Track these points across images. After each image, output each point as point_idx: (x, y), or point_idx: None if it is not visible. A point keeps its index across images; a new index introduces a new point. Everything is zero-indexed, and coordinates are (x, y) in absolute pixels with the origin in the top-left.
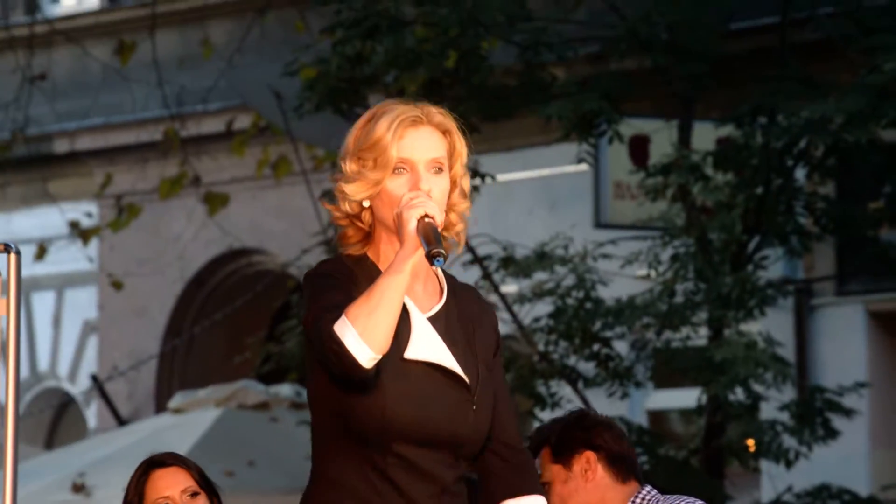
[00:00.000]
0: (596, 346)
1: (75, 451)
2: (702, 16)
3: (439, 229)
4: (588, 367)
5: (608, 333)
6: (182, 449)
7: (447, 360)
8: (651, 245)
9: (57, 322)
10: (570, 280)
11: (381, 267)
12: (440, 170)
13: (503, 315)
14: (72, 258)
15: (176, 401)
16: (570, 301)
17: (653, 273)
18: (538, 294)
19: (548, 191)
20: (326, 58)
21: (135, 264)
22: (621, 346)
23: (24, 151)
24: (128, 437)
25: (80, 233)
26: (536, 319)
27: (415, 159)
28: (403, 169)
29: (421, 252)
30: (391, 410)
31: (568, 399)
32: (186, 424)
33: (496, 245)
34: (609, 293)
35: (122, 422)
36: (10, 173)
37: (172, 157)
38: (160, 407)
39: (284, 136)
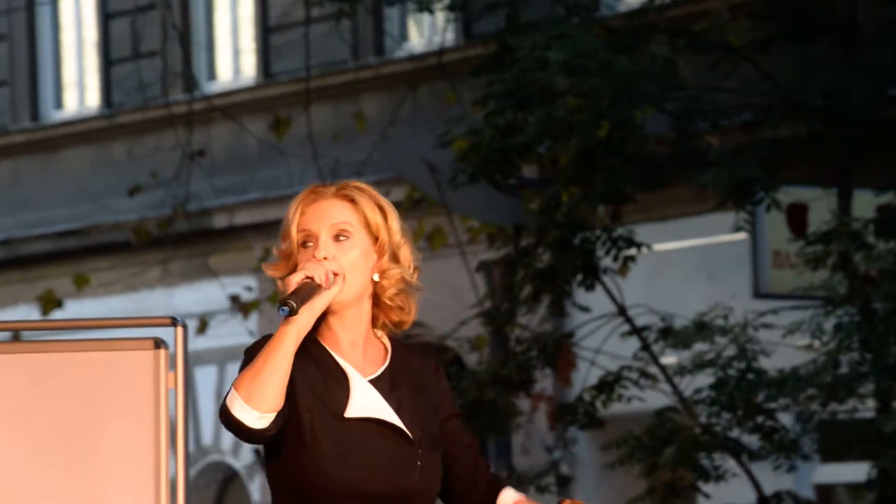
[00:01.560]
0: (760, 418)
1: None
2: (857, 82)
3: (333, 290)
4: (752, 440)
5: (772, 405)
6: None
7: (389, 415)
8: (813, 314)
9: (219, 395)
10: (730, 350)
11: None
12: (345, 236)
13: (663, 387)
14: (232, 332)
15: None
16: (731, 372)
17: (816, 343)
18: (699, 365)
19: (705, 260)
20: (479, 129)
21: None
22: (786, 418)
23: (185, 227)
24: None
25: (240, 307)
26: (698, 391)
27: (314, 229)
28: (309, 243)
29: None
30: (333, 471)
31: (732, 472)
32: None
33: (654, 316)
34: (771, 364)
35: None
36: (171, 249)
37: None
38: None
39: (439, 207)
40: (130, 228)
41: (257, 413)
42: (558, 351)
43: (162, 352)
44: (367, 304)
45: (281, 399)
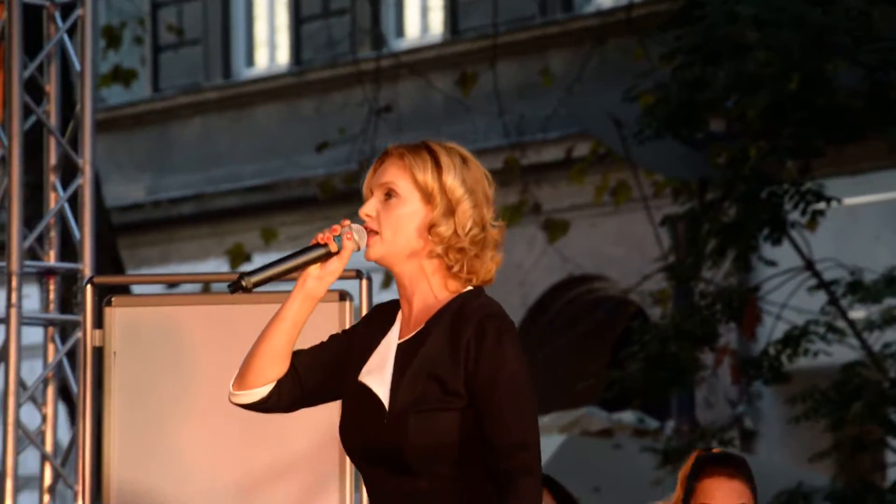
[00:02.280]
0: None
1: None
2: None
3: (362, 246)
4: None
5: None
6: None
7: (374, 381)
8: None
9: None
10: None
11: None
12: (393, 195)
13: (851, 341)
14: None
15: None
16: None
17: None
18: (888, 320)
19: None
20: (666, 83)
21: None
22: None
23: None
24: None
25: None
26: (887, 345)
27: (372, 189)
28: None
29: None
30: (341, 430)
31: None
32: None
33: (842, 270)
34: None
35: None
36: (357, 204)
37: (513, 186)
38: None
39: (624, 162)
40: (317, 183)
41: (231, 390)
42: (743, 305)
43: (347, 304)
44: (422, 263)
45: (267, 371)
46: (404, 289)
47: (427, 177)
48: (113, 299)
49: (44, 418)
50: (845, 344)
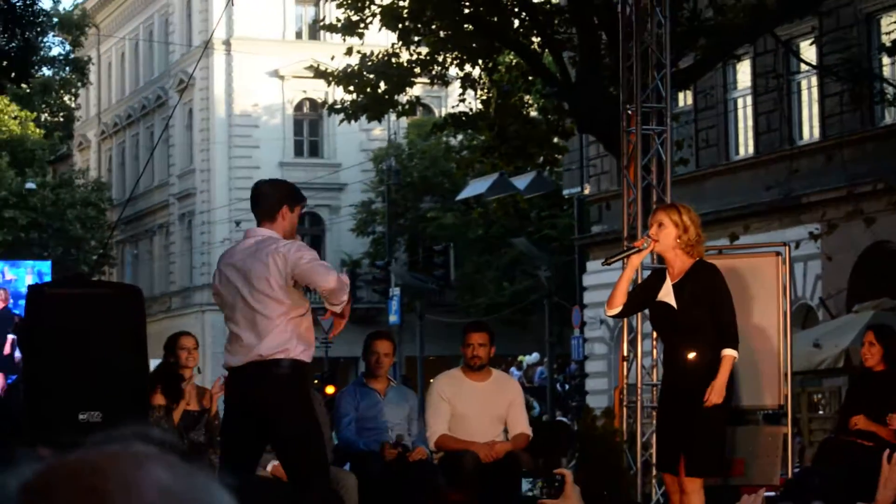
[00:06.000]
0: None
1: None
2: None
3: (650, 249)
4: None
5: None
6: None
7: (670, 299)
8: None
9: None
10: None
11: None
12: (663, 225)
13: None
14: None
15: None
16: None
17: None
18: None
19: None
20: None
21: None
22: None
23: None
24: None
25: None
26: None
27: (653, 223)
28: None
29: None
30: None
31: None
32: None
33: None
34: None
35: None
36: None
37: None
38: None
39: None
40: None
41: (613, 309)
42: None
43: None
44: (679, 250)
45: (623, 300)
46: (668, 264)
47: (677, 218)
48: None
49: None
50: None
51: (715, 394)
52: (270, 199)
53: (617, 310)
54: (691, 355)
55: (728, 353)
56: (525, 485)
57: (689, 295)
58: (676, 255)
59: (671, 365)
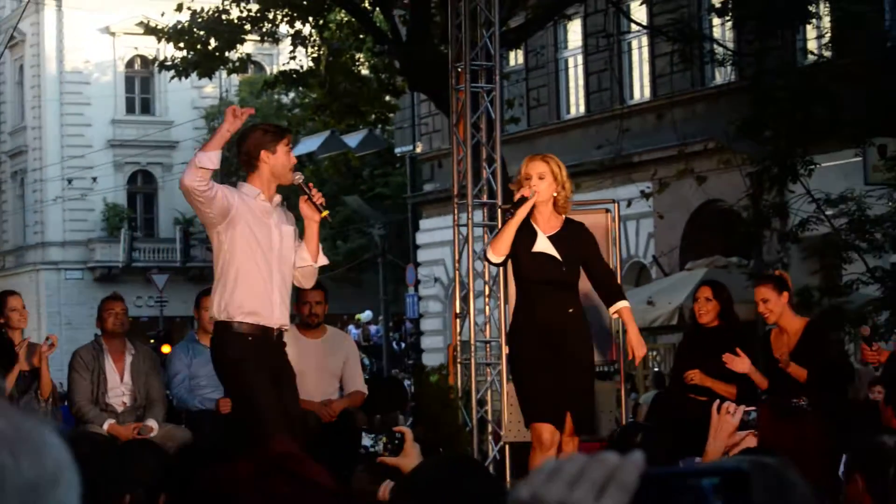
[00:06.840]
0: None
1: None
2: None
3: (533, 200)
4: None
5: None
6: None
7: (550, 250)
8: None
9: None
10: None
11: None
12: (543, 178)
13: None
14: None
15: None
16: None
17: None
18: None
19: None
20: None
21: None
22: None
23: None
24: None
25: None
26: None
27: (530, 173)
28: (527, 179)
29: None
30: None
31: None
32: None
33: None
34: None
35: None
36: None
37: None
38: None
39: None
40: None
41: (499, 256)
42: None
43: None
44: (552, 205)
45: (508, 248)
46: (540, 214)
47: (557, 170)
48: None
49: None
50: None
51: (641, 347)
52: (243, 155)
53: (503, 258)
54: (571, 309)
55: (626, 304)
56: (367, 440)
57: (570, 249)
58: (549, 209)
59: (546, 316)
